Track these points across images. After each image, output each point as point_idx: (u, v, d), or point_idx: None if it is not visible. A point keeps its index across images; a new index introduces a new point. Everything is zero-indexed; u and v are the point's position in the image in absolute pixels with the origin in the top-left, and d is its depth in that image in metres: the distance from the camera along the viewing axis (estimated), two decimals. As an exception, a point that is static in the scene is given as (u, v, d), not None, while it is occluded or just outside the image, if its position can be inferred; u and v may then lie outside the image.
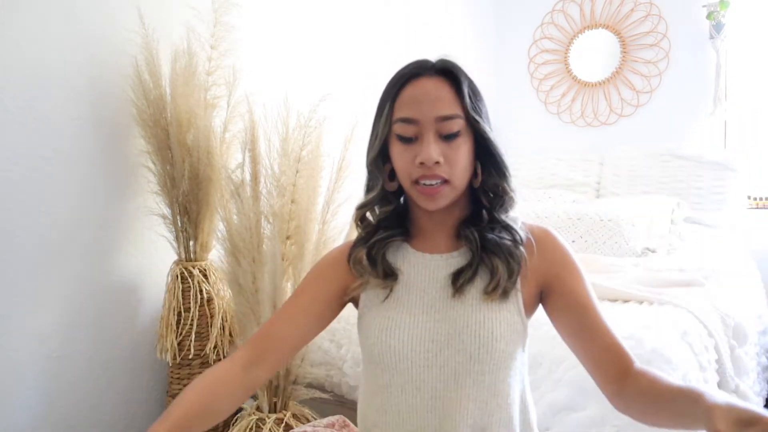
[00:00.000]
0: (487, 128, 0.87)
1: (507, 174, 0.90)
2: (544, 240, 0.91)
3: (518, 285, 0.88)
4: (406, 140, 0.86)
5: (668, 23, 3.10)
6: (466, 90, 0.86)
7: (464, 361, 0.84)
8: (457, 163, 0.85)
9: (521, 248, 0.89)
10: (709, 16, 2.88)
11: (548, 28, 3.46)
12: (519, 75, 3.54)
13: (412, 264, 0.92)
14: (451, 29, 3.19)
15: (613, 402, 0.85)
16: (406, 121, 0.85)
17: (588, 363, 0.88)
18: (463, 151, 0.86)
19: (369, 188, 0.94)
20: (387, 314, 0.88)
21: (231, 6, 1.74)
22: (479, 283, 0.87)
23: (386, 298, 0.90)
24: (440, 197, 0.86)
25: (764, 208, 2.86)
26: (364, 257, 0.91)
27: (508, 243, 0.88)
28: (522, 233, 0.90)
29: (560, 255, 0.91)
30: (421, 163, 0.84)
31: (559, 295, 0.89)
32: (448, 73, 0.87)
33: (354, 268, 0.92)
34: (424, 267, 0.91)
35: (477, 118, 0.86)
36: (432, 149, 0.83)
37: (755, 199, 2.88)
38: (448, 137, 0.85)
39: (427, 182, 0.85)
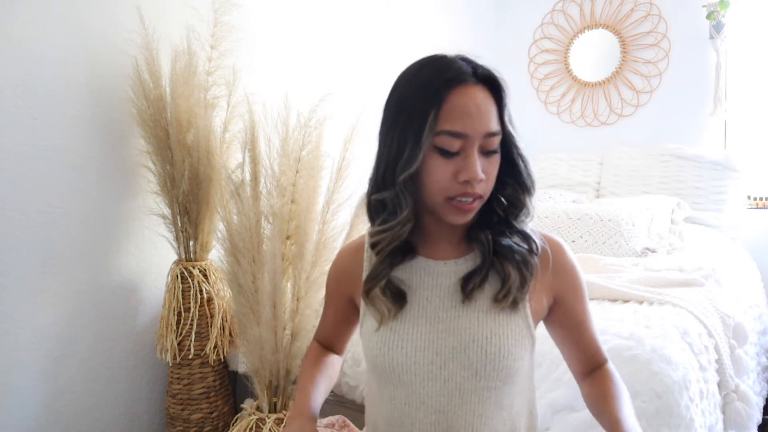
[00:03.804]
0: (521, 145, 0.83)
1: (531, 190, 0.85)
2: (561, 258, 0.89)
3: (527, 296, 0.85)
4: (449, 155, 0.78)
5: (668, 23, 3.10)
6: (508, 104, 0.82)
7: (470, 376, 0.82)
8: (493, 179, 0.82)
9: (535, 258, 0.85)
10: (709, 16, 2.88)
11: (548, 28, 3.46)
12: (519, 75, 3.53)
13: (414, 270, 0.88)
14: (451, 29, 3.19)
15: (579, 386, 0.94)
16: (455, 135, 0.77)
17: (567, 357, 0.95)
18: (497, 167, 0.82)
19: (391, 209, 0.82)
20: (389, 325, 0.85)
21: (231, 6, 1.74)
22: (489, 290, 0.84)
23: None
24: (472, 213, 0.82)
25: (764, 208, 2.86)
26: (380, 292, 0.85)
27: (523, 250, 0.84)
28: (538, 241, 0.86)
29: (571, 277, 0.90)
30: (465, 181, 0.78)
31: (559, 314, 0.91)
32: (490, 82, 0.81)
33: (372, 304, 0.86)
34: (428, 274, 0.87)
35: (513, 133, 0.82)
36: (479, 167, 0.78)
37: (755, 199, 2.88)
38: (488, 153, 0.80)
39: (464, 199, 0.79)
